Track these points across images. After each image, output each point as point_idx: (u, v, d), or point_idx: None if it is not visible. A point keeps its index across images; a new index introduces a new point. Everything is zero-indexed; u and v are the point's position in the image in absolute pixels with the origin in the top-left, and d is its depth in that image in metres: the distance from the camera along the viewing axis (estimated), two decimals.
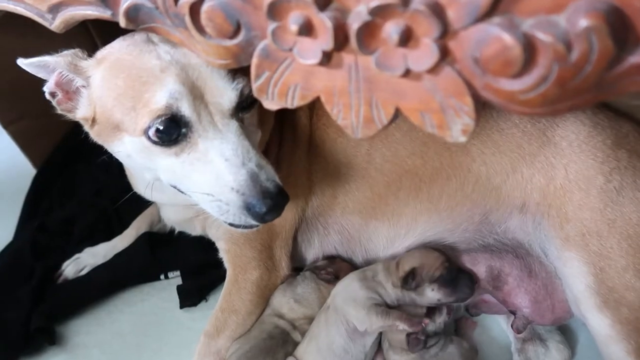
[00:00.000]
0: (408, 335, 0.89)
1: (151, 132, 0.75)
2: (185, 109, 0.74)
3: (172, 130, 0.76)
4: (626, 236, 0.87)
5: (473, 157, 0.95)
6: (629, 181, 0.90)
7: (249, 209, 0.76)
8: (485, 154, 0.94)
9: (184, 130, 0.76)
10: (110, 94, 0.78)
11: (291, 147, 1.02)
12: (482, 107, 0.51)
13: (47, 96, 0.84)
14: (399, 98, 0.54)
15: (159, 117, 0.74)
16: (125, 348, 1.08)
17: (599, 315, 0.84)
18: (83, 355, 1.08)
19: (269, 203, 0.75)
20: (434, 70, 0.49)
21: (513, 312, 0.94)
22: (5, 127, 1.38)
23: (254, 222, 0.78)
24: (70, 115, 0.85)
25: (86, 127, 0.86)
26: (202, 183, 0.78)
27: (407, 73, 0.51)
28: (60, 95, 0.83)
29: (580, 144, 0.92)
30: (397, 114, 0.56)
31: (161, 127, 0.75)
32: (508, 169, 0.94)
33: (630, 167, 0.91)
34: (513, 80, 0.46)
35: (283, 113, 1.02)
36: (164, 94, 0.73)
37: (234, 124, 0.78)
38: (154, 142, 0.77)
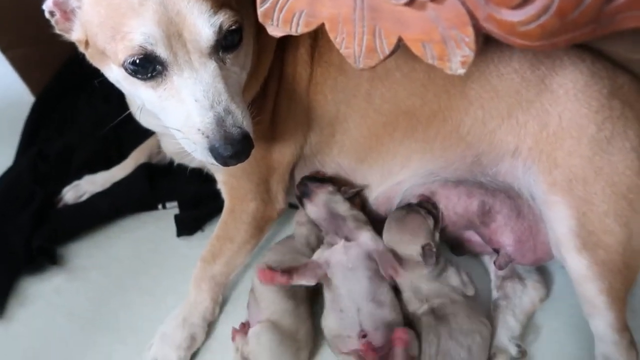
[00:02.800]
0: (423, 247, 0.94)
1: (127, 65, 0.76)
2: (160, 51, 0.75)
3: (147, 67, 0.77)
4: (611, 183, 0.90)
5: (471, 100, 0.96)
6: (620, 131, 0.92)
7: (212, 151, 0.78)
8: (483, 98, 0.96)
9: (159, 67, 0.77)
10: (95, 20, 0.78)
11: (291, 84, 1.03)
12: (484, 42, 0.52)
13: (47, 15, 0.83)
14: (402, 28, 0.55)
15: (132, 55, 0.75)
16: (123, 271, 1.13)
17: (577, 257, 0.88)
18: (82, 277, 1.13)
19: (230, 148, 0.77)
20: None
21: (496, 250, 0.99)
22: (4, 52, 1.36)
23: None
24: (67, 37, 0.86)
25: (81, 49, 0.87)
26: (174, 119, 0.81)
27: (411, 1, 0.52)
28: (58, 14, 0.83)
29: (577, 92, 0.93)
30: (399, 44, 0.57)
31: (136, 63, 0.76)
32: (504, 114, 0.95)
33: (622, 117, 0.92)
34: (514, 10, 0.47)
35: (284, 49, 1.02)
36: (138, 35, 0.73)
37: (211, 65, 0.77)
38: (131, 74, 0.78)
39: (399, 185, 1.05)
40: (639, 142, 0.92)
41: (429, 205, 0.99)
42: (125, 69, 0.77)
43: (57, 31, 0.85)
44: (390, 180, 1.05)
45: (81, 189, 1.24)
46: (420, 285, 0.94)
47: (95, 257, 1.16)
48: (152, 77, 0.78)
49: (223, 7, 0.75)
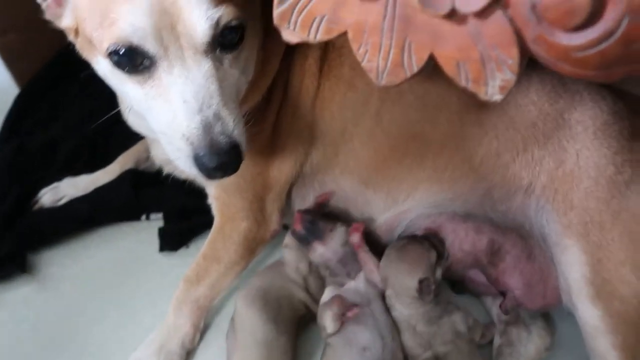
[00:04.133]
0: (420, 281, 0.87)
1: (112, 56, 0.69)
2: (149, 45, 0.67)
3: (133, 60, 0.69)
4: (629, 230, 0.85)
5: (486, 129, 0.91)
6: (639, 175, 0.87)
7: (196, 160, 0.70)
8: (499, 129, 0.90)
9: (146, 61, 0.69)
10: (84, 4, 0.71)
11: (297, 97, 0.97)
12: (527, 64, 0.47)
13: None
14: (435, 43, 0.49)
15: (116, 44, 0.67)
16: (98, 285, 1.05)
17: (590, 306, 0.83)
18: (53, 287, 1.04)
19: (215, 159, 0.69)
20: (482, 13, 0.45)
21: (502, 293, 0.93)
22: (9, 65, 1.29)
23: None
24: (57, 24, 0.79)
25: (71, 38, 0.79)
26: (159, 121, 0.73)
27: (451, 14, 0.46)
28: None
29: (596, 130, 0.89)
30: (430, 62, 0.52)
31: (121, 54, 0.68)
32: (519, 147, 0.90)
33: None
34: (572, 33, 0.41)
35: (292, 59, 0.96)
36: (126, 25, 0.66)
37: (206, 63, 0.70)
38: (116, 66, 0.70)
39: (404, 214, 0.99)
40: None
41: (435, 239, 0.93)
42: (110, 60, 0.69)
43: (47, 17, 0.78)
44: (394, 209, 0.99)
45: (60, 192, 1.16)
46: (417, 326, 0.87)
47: (69, 267, 1.07)
48: (138, 72, 0.70)
49: (224, 2, 0.68)
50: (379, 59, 0.53)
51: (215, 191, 0.99)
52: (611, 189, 0.86)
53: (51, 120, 1.33)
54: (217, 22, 0.68)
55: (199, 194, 1.07)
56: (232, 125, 0.71)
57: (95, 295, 1.03)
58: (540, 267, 0.91)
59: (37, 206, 1.14)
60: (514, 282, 0.91)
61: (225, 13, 0.68)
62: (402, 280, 0.90)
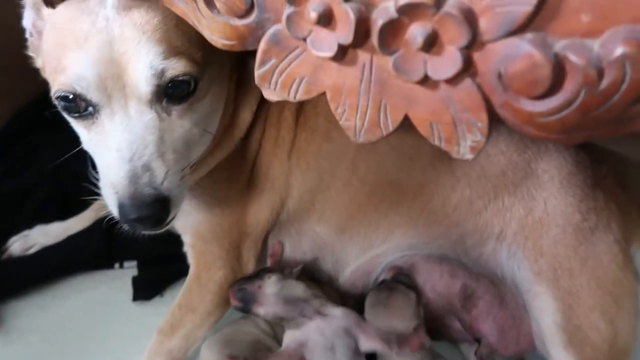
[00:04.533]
0: (415, 328, 0.87)
1: (58, 101, 0.71)
2: (92, 94, 0.69)
3: (78, 107, 0.71)
4: (596, 276, 0.88)
5: (458, 178, 0.94)
6: (604, 223, 0.91)
7: (120, 209, 0.69)
8: (471, 177, 0.94)
9: (90, 109, 0.71)
10: (45, 48, 0.74)
11: (272, 147, 0.99)
12: (495, 125, 0.50)
13: (27, 34, 0.80)
14: (410, 105, 0.52)
15: (62, 90, 0.69)
16: (68, 337, 1.01)
17: (563, 353, 0.84)
18: (21, 341, 1.00)
19: (136, 211, 0.68)
20: (453, 80, 0.48)
21: (477, 340, 0.93)
22: None
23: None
24: (35, 62, 0.81)
25: (45, 76, 0.80)
26: (99, 166, 0.74)
27: (424, 80, 0.49)
28: (34, 34, 0.79)
29: (562, 179, 0.93)
30: (405, 121, 0.54)
31: (67, 99, 0.70)
32: (491, 195, 0.94)
33: (606, 209, 0.92)
34: (535, 101, 0.44)
35: (267, 110, 0.99)
36: (72, 73, 0.68)
37: (148, 114, 0.70)
38: (64, 111, 0.72)
39: (378, 258, 1.00)
40: (622, 236, 0.91)
41: (403, 277, 0.94)
42: (58, 104, 0.71)
43: (30, 52, 0.81)
44: (370, 253, 1.00)
45: (31, 240, 1.13)
46: None
47: (38, 318, 1.03)
48: (83, 117, 0.72)
49: (177, 55, 0.69)
50: (356, 118, 0.56)
51: (191, 239, 0.99)
52: (578, 236, 0.90)
53: (24, 166, 1.31)
54: (162, 74, 0.69)
55: (175, 242, 1.06)
56: (161, 178, 0.69)
57: (64, 348, 0.99)
58: (512, 313, 0.93)
59: (5, 255, 1.11)
60: (488, 328, 0.92)
61: (173, 66, 0.69)
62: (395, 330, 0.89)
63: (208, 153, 0.91)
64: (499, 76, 0.45)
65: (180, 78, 0.70)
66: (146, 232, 0.73)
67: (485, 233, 0.95)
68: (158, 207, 0.69)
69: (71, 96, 0.69)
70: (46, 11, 0.76)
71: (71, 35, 0.69)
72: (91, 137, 0.73)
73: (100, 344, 1.00)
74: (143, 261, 1.13)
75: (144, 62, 0.68)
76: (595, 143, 1.03)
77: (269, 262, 1.02)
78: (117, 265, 1.13)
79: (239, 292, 0.92)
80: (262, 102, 0.96)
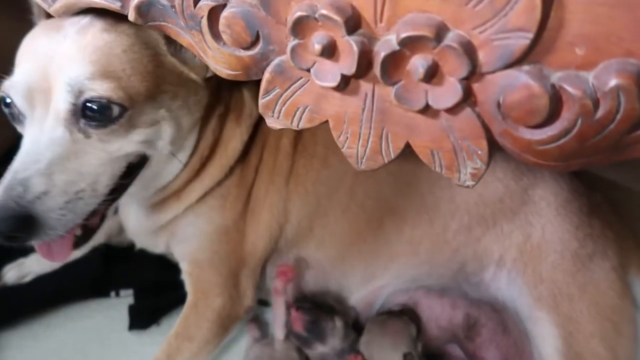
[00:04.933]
0: (405, 356, 0.86)
1: (2, 104, 0.76)
2: (18, 101, 0.72)
3: (12, 111, 0.75)
4: (595, 303, 0.88)
5: (457, 204, 0.95)
6: (601, 250, 0.92)
7: None
8: (469, 204, 0.95)
9: (21, 117, 0.74)
10: None
11: (270, 174, 0.99)
12: (495, 152, 0.51)
13: None
14: (411, 133, 0.53)
15: (1, 93, 0.74)
16: None
17: None
18: None
19: None
20: (453, 110, 0.49)
21: None
22: None
23: None
24: None
25: None
26: None
27: (425, 109, 0.50)
28: None
29: (558, 207, 0.94)
30: (406, 149, 0.55)
31: (6, 105, 0.75)
32: (489, 222, 0.95)
33: (602, 236, 0.93)
34: (533, 129, 0.46)
35: (264, 139, 1.00)
36: (10, 81, 0.73)
37: (59, 132, 0.70)
38: (7, 115, 0.77)
39: (381, 289, 1.00)
40: (618, 263, 0.92)
41: (412, 313, 0.94)
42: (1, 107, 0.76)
43: None
44: (372, 284, 1.00)
45: (25, 269, 1.12)
46: None
47: (30, 349, 1.01)
48: (16, 124, 0.76)
49: (107, 79, 0.69)
50: (358, 146, 0.57)
51: (189, 267, 0.98)
52: (576, 262, 0.90)
53: None
54: (80, 94, 0.69)
55: (172, 269, 1.05)
56: (33, 196, 0.67)
57: None
58: (515, 340, 0.92)
59: (0, 283, 1.09)
60: (491, 356, 0.92)
61: (92, 87, 0.69)
62: (386, 355, 0.89)
63: (191, 180, 0.92)
64: (498, 105, 0.46)
65: (97, 101, 0.69)
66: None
67: (485, 259, 0.95)
68: (13, 223, 0.66)
69: (8, 101, 0.74)
70: None
71: (23, 50, 0.75)
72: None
73: None
74: (139, 289, 1.12)
75: (66, 79, 0.69)
76: (588, 171, 1.05)
77: (276, 283, 1.00)
78: (113, 293, 1.12)
79: (312, 325, 0.92)
80: (258, 131, 0.98)
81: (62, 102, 0.70)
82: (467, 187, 0.53)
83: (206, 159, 0.92)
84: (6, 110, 0.75)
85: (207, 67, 0.80)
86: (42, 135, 0.71)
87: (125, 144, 0.75)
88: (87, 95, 0.69)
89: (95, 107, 0.70)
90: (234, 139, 0.93)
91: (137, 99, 0.73)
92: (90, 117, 0.71)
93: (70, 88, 0.69)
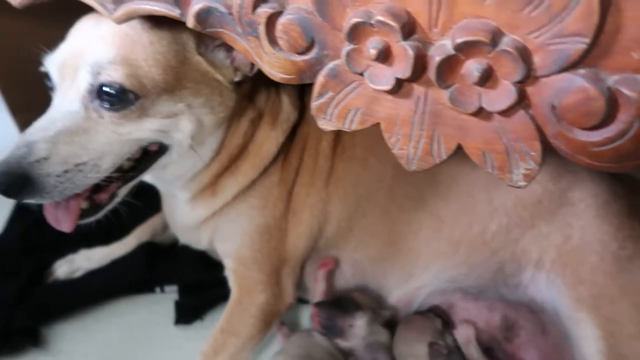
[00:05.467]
0: (431, 344, 0.87)
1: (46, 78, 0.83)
2: (53, 74, 0.79)
3: (50, 84, 0.82)
4: (636, 304, 0.88)
5: (495, 206, 0.96)
6: None
7: None
8: (507, 205, 0.95)
9: (54, 87, 0.81)
10: None
11: (310, 176, 1.02)
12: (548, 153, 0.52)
13: None
14: (463, 135, 0.55)
15: (43, 67, 0.81)
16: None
17: None
18: None
19: None
20: (506, 112, 0.50)
21: None
22: (14, 115, 1.35)
23: None
24: None
25: None
26: None
27: (478, 111, 0.52)
28: None
29: (598, 208, 0.94)
30: (457, 150, 0.57)
31: (48, 78, 0.82)
32: (528, 223, 0.95)
33: None
34: (589, 131, 0.47)
35: (304, 142, 1.02)
36: (51, 55, 0.80)
37: (75, 107, 0.76)
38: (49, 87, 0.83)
39: (420, 289, 1.01)
40: None
41: (438, 310, 0.96)
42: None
43: None
44: (410, 284, 1.01)
45: (75, 264, 1.17)
46: None
47: (82, 341, 1.06)
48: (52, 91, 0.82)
49: (123, 64, 0.74)
50: (409, 147, 0.58)
51: (233, 263, 1.02)
52: (616, 263, 0.90)
53: None
54: (97, 75, 0.74)
55: (214, 266, 1.09)
56: (33, 158, 0.72)
57: None
58: (554, 342, 0.92)
59: (51, 278, 1.15)
60: (530, 357, 0.92)
61: (109, 72, 0.73)
62: (411, 348, 0.91)
63: (221, 175, 0.95)
64: (553, 108, 0.48)
65: (110, 84, 0.74)
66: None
67: (524, 260, 0.95)
68: (9, 179, 0.71)
69: (47, 73, 0.81)
70: None
71: (74, 29, 0.81)
72: None
73: None
74: (184, 285, 1.15)
75: (89, 60, 0.75)
76: (628, 173, 1.04)
77: (318, 275, 1.03)
78: (157, 289, 1.16)
79: (328, 321, 0.94)
80: (297, 134, 1.00)
81: (82, 81, 0.75)
82: (519, 187, 0.55)
83: (236, 157, 0.94)
84: (48, 83, 0.82)
85: (235, 72, 0.85)
86: (61, 107, 0.76)
87: (136, 129, 0.78)
88: (103, 78, 0.74)
89: (109, 90, 0.74)
90: (269, 141, 0.96)
91: (152, 90, 0.76)
92: (104, 99, 0.75)
93: (91, 69, 0.74)
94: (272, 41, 0.59)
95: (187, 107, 0.81)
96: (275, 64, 0.61)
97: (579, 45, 0.43)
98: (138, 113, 0.77)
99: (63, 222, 0.83)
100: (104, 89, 0.74)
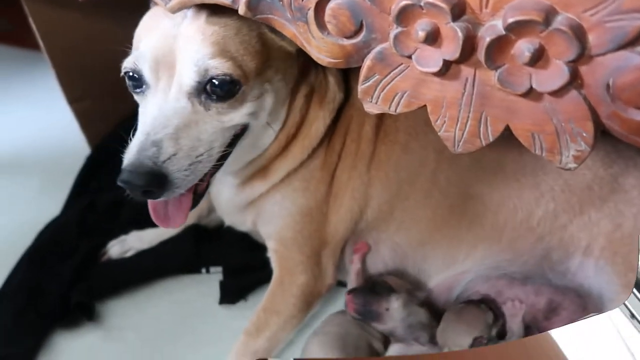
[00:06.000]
0: (475, 339, 0.88)
1: (126, 77, 0.83)
2: (146, 72, 0.79)
3: (136, 83, 0.82)
4: None
5: (542, 191, 0.94)
6: None
7: (122, 171, 0.75)
8: (555, 191, 0.94)
9: (144, 87, 0.81)
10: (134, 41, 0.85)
11: (353, 159, 1.03)
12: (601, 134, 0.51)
13: None
14: (511, 116, 0.54)
15: (127, 67, 0.81)
16: (160, 335, 1.08)
17: None
18: (118, 336, 1.08)
19: (127, 174, 0.73)
20: (558, 92, 0.50)
21: None
22: (70, 104, 1.41)
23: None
24: None
25: None
26: None
27: (528, 92, 0.51)
28: None
29: None
30: (504, 132, 0.56)
31: (130, 76, 0.82)
32: (576, 209, 0.93)
33: None
34: None
35: (347, 125, 1.03)
36: (137, 53, 0.80)
37: (183, 103, 0.78)
38: (130, 88, 0.84)
39: (462, 275, 1.01)
40: None
41: (491, 303, 0.95)
42: (126, 81, 0.83)
43: None
44: (452, 269, 1.01)
45: (127, 245, 1.22)
46: None
47: (133, 317, 1.11)
48: (137, 93, 0.83)
49: (225, 58, 0.77)
50: (456, 129, 0.58)
51: (274, 245, 1.04)
52: None
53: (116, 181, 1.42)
54: (205, 72, 0.76)
55: (258, 249, 1.12)
56: (165, 156, 0.75)
57: (157, 346, 1.06)
58: None
59: (105, 257, 1.21)
60: None
61: (216, 66, 0.76)
62: (458, 339, 0.91)
63: (276, 157, 0.97)
64: (607, 87, 0.47)
65: (221, 77, 0.77)
66: (136, 198, 0.78)
67: (572, 247, 0.94)
68: (150, 179, 0.74)
69: (132, 73, 0.81)
70: None
71: (151, 26, 0.81)
72: (140, 111, 0.83)
73: (189, 343, 1.06)
74: (228, 267, 1.19)
75: (192, 58, 0.76)
76: None
77: (354, 258, 1.05)
78: (204, 270, 1.20)
79: (363, 308, 0.95)
80: (341, 117, 1.01)
81: (187, 79, 0.77)
82: (569, 169, 0.54)
83: (292, 137, 0.97)
84: (129, 82, 0.83)
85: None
86: (166, 104, 0.78)
87: (236, 116, 0.82)
88: (212, 72, 0.76)
89: (217, 83, 0.77)
90: (317, 120, 0.97)
91: (249, 76, 0.80)
92: (212, 92, 0.78)
93: (197, 68, 0.76)
94: (321, 25, 0.60)
95: (270, 85, 0.85)
96: (323, 49, 0.62)
97: (637, 21, 0.42)
98: (240, 100, 0.81)
99: (175, 217, 0.87)
100: (214, 81, 0.77)
